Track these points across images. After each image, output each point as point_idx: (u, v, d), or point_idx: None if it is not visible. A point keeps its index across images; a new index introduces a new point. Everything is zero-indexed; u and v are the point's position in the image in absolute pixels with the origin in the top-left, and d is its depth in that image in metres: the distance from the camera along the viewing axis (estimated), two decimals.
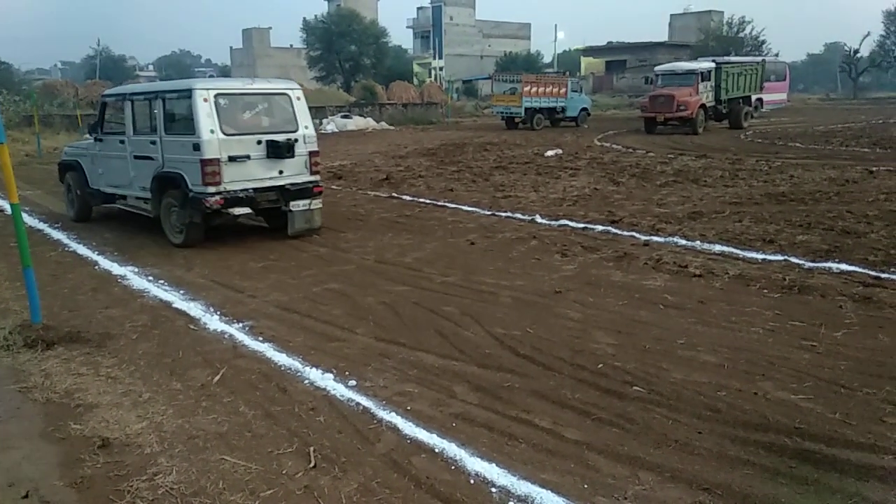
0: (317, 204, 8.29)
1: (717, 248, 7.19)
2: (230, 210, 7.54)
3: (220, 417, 3.77)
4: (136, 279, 6.67)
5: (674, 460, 3.24)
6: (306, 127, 8.15)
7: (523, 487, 3.03)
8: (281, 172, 7.89)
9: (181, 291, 6.20)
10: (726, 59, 29.00)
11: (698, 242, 7.45)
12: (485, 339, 4.88)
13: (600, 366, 4.34)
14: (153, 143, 7.95)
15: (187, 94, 7.49)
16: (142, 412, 3.84)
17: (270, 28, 77.33)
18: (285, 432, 3.59)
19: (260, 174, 7.75)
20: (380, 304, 5.74)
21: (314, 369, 4.35)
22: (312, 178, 8.21)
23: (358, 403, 3.89)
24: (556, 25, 75.82)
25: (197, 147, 7.34)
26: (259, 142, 7.68)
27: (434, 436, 3.49)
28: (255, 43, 75.19)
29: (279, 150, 7.72)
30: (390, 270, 6.83)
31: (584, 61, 68.44)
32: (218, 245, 7.98)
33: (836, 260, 6.53)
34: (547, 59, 69.41)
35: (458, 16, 71.87)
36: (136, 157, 8.28)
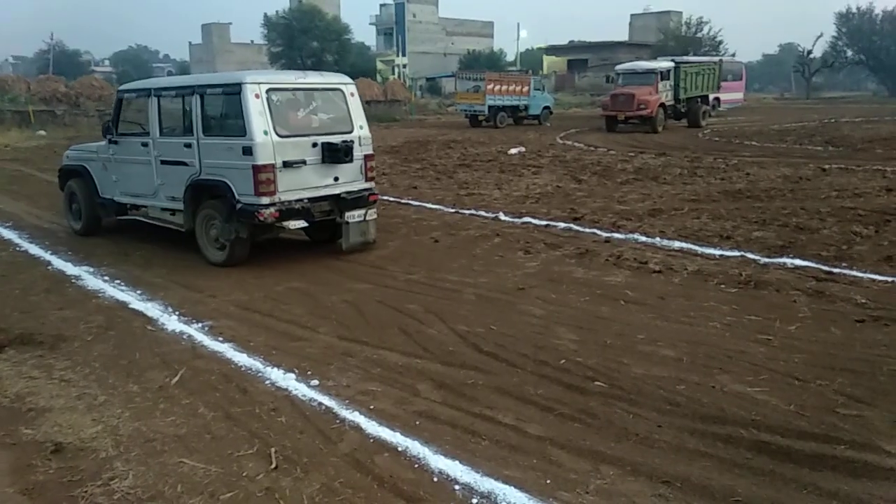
0: (372, 214, 7.40)
1: (676, 244, 7.31)
2: (285, 223, 6.66)
3: (178, 420, 3.70)
4: (91, 279, 6.50)
5: (634, 454, 3.28)
6: (361, 127, 7.27)
7: (486, 484, 3.03)
8: (336, 179, 6.97)
9: (138, 291, 6.07)
10: (685, 58, 29.49)
11: (658, 239, 7.56)
12: (448, 336, 4.88)
13: (562, 361, 4.37)
14: (188, 146, 6.89)
15: (236, 88, 6.49)
16: (97, 415, 3.75)
17: (230, 23, 76.33)
18: (246, 434, 3.54)
19: (315, 181, 6.82)
20: (343, 302, 5.70)
21: (276, 369, 4.30)
22: (368, 185, 7.32)
23: (320, 403, 3.85)
24: (518, 24, 76.08)
25: (248, 151, 6.34)
26: (314, 144, 6.75)
27: (397, 434, 3.48)
28: (215, 38, 74.07)
29: (337, 154, 6.81)
30: (353, 268, 6.79)
31: (547, 60, 68.96)
32: (177, 243, 7.80)
33: (791, 255, 6.70)
34: (510, 57, 69.71)
35: (421, 13, 71.75)
36: (164, 163, 7.21)
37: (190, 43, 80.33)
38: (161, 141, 7.30)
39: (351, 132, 7.13)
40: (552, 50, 70.32)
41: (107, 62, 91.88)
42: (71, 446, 3.43)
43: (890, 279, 5.88)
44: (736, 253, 6.87)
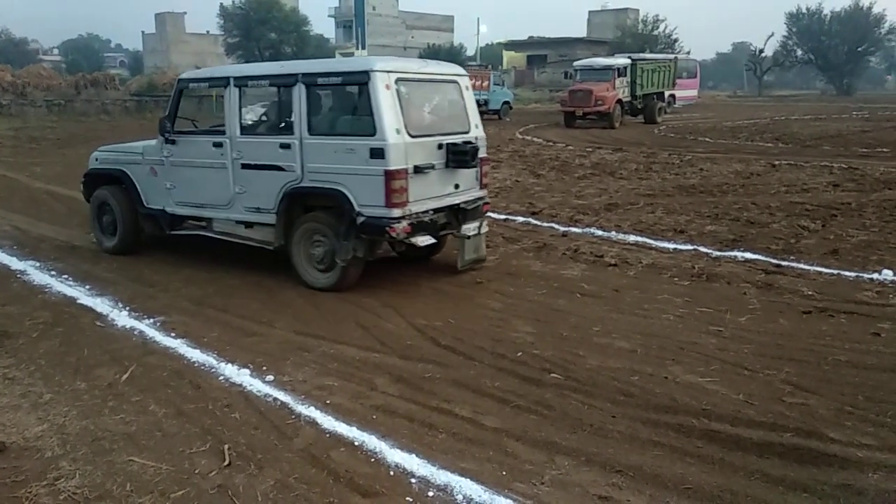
0: (485, 227, 6.41)
1: (632, 238, 7.43)
2: (413, 240, 5.59)
3: (128, 417, 3.61)
4: (37, 274, 6.29)
5: (589, 444, 3.33)
6: (477, 126, 6.29)
7: (442, 477, 3.04)
8: (457, 187, 6.00)
9: (87, 286, 5.90)
10: (641, 55, 29.91)
11: (614, 233, 7.67)
12: (406, 330, 4.87)
13: (519, 354, 4.40)
14: (285, 146, 5.73)
15: (362, 77, 5.43)
16: (42, 414, 3.64)
17: (185, 13, 74.58)
18: (198, 430, 3.47)
19: (438, 190, 5.81)
20: (299, 296, 5.64)
21: (230, 365, 4.23)
22: (482, 192, 6.36)
23: (275, 399, 3.80)
24: (478, 19, 76.56)
25: (378, 153, 5.26)
26: (440, 146, 5.75)
27: (354, 429, 3.45)
28: (169, 28, 72.31)
29: (463, 158, 5.80)
30: None
31: (506, 55, 69.17)
32: None
33: (741, 249, 6.87)
34: (470, 52, 69.71)
35: (380, 6, 71.21)
36: (247, 167, 6.00)
37: (143, 32, 78.17)
38: (242, 140, 6.07)
39: (468, 132, 6.18)
40: (512, 45, 70.56)
41: (55, 51, 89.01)
42: (15, 446, 3.32)
43: (835, 272, 6.08)
44: (689, 246, 7.01)
